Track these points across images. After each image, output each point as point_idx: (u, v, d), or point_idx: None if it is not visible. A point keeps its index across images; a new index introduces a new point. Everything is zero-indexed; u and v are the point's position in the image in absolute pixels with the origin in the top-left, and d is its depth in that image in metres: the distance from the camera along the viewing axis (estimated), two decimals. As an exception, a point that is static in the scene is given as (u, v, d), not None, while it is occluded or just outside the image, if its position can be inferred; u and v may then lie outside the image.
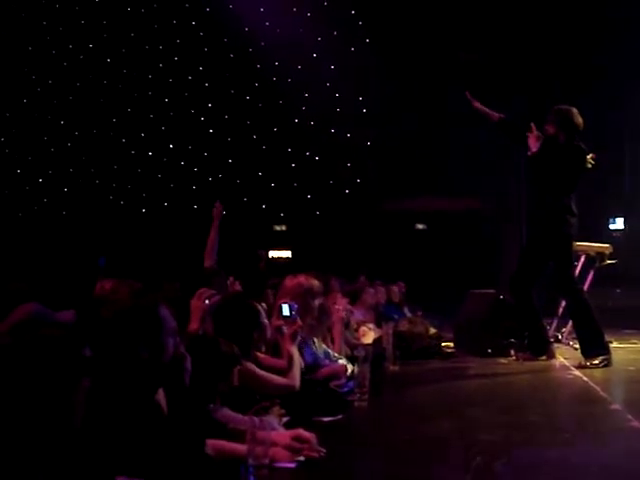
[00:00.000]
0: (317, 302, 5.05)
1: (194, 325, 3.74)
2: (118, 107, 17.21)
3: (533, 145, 6.75)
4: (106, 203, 17.16)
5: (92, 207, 16.87)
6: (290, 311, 4.21)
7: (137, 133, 17.35)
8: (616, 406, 4.54)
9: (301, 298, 4.91)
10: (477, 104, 7.19)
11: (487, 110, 7.20)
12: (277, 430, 3.27)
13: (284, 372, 4.06)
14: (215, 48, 16.96)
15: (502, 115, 7.17)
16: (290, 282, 5.09)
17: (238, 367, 3.40)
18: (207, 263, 6.15)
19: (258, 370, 3.83)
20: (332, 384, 4.77)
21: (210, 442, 2.76)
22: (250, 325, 3.85)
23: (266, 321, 4.02)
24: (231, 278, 5.99)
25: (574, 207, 6.70)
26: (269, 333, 4.12)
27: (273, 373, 4.00)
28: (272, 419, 3.41)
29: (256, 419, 3.24)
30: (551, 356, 6.98)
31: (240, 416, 3.28)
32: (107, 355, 2.42)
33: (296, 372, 4.07)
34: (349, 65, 15.78)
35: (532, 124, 6.82)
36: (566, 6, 13.04)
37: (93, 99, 17.09)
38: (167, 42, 17.11)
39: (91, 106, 17.10)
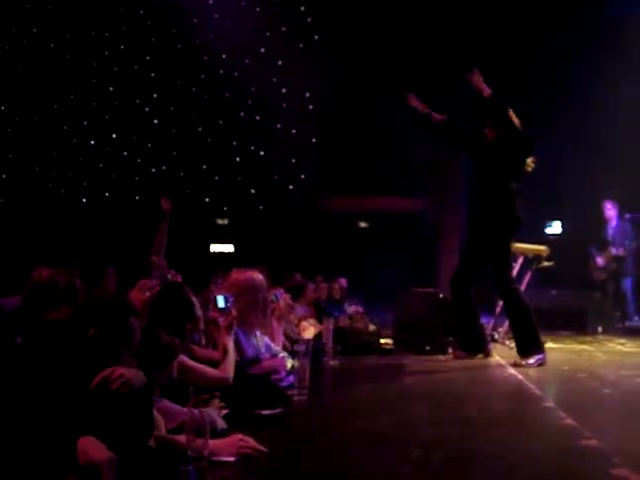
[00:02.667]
0: (262, 296, 5.06)
1: (133, 317, 3.70)
2: (60, 94, 16.87)
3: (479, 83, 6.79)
4: (46, 191, 16.82)
5: (31, 195, 16.52)
6: (225, 302, 4.11)
7: (79, 121, 17.04)
8: (550, 404, 4.65)
9: (248, 292, 4.91)
10: (418, 104, 7.24)
11: (428, 111, 7.24)
12: (216, 422, 3.26)
13: (218, 364, 4.02)
14: (162, 38, 16.76)
15: (444, 117, 7.24)
16: (237, 276, 5.08)
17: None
18: (154, 258, 6.09)
19: (190, 361, 3.74)
20: (272, 378, 4.78)
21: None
22: (183, 316, 3.77)
23: (200, 313, 3.96)
24: (172, 271, 5.95)
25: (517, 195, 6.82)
26: (202, 325, 4.06)
27: (208, 365, 3.91)
28: (212, 411, 3.40)
29: (195, 411, 3.22)
30: (488, 354, 7.11)
31: (179, 408, 3.26)
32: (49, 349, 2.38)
33: (229, 364, 3.97)
34: (296, 61, 15.75)
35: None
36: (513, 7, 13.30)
37: (35, 86, 16.72)
38: (113, 30, 16.83)
39: (33, 93, 16.73)
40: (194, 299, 3.95)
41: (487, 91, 6.73)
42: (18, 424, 2.05)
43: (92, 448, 2.25)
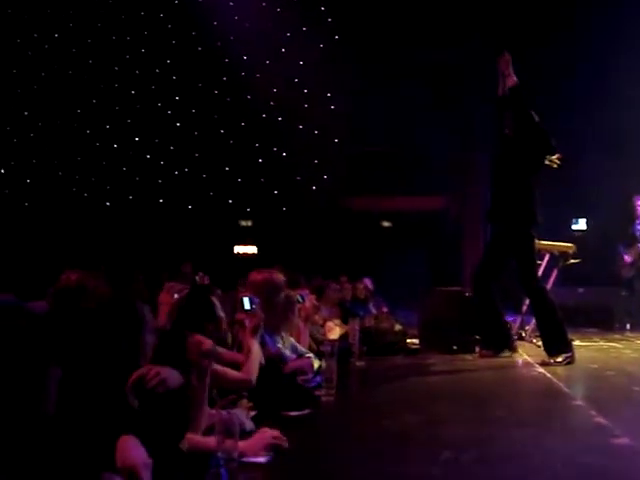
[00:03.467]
0: (282, 296, 5.04)
1: (161, 320, 3.71)
2: (83, 99, 17.00)
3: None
4: (70, 195, 16.95)
5: (56, 199, 16.66)
6: (251, 304, 4.07)
7: (102, 125, 17.15)
8: (579, 402, 4.61)
9: (265, 292, 4.90)
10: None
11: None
12: (244, 424, 3.26)
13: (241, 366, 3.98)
14: (183, 41, 16.83)
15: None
16: (254, 277, 5.07)
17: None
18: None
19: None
20: (299, 379, 4.78)
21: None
22: (203, 317, 3.75)
23: (222, 314, 3.95)
24: (200, 273, 5.97)
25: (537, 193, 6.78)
26: (225, 326, 4.04)
27: (234, 368, 3.87)
28: (240, 412, 3.40)
29: (224, 413, 3.22)
30: (513, 350, 7.07)
31: (207, 410, 3.26)
32: (85, 347, 2.38)
33: (252, 366, 3.91)
34: (318, 61, 15.76)
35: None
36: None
37: (57, 90, 16.86)
38: (135, 34, 16.94)
39: (55, 97, 16.86)
40: (215, 300, 3.94)
41: (513, 79, 6.71)
42: (55, 422, 2.06)
43: (131, 450, 2.25)
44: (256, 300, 4.18)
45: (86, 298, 2.78)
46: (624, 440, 3.42)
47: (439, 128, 14.60)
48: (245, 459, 2.91)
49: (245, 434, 3.15)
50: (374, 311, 10.31)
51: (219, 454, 2.73)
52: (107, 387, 2.38)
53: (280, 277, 5.18)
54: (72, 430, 2.15)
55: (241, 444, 2.91)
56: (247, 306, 4.02)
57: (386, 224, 17.29)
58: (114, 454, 2.31)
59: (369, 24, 14.99)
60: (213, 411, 3.23)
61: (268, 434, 3.10)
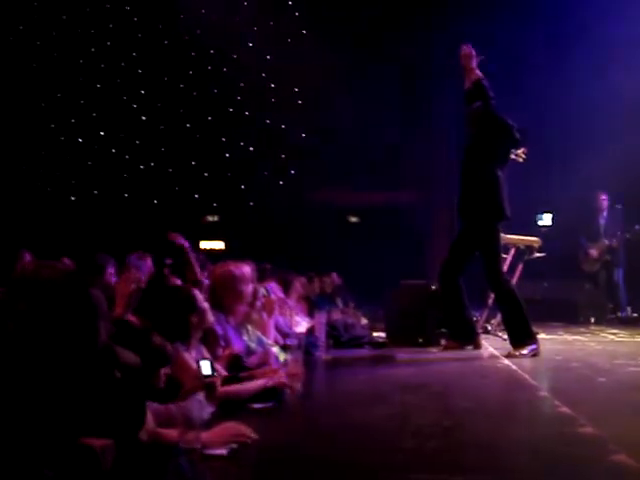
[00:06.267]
0: (249, 288, 5.00)
1: (119, 310, 3.65)
2: (47, 92, 16.76)
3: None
4: (33, 189, 16.69)
5: (18, 193, 16.40)
6: (212, 369, 3.56)
7: (67, 119, 16.92)
8: (544, 393, 4.62)
9: (231, 285, 4.85)
10: None
11: None
12: (206, 412, 3.21)
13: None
14: (149, 34, 16.66)
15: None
16: (219, 269, 5.02)
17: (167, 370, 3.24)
18: None
19: (187, 356, 3.67)
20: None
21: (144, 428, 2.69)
22: (185, 309, 3.69)
23: (205, 305, 3.88)
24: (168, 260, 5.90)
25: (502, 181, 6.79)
26: (210, 318, 3.96)
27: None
28: (203, 402, 3.34)
29: (183, 405, 3.17)
30: (477, 346, 7.09)
31: (165, 405, 3.18)
32: (36, 334, 2.32)
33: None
34: (285, 56, 15.70)
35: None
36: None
37: (21, 83, 16.59)
38: (100, 27, 16.72)
39: (19, 90, 16.59)
40: (196, 292, 3.87)
41: (476, 73, 6.73)
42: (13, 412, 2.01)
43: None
44: (216, 366, 3.88)
45: (42, 287, 2.71)
46: (588, 429, 3.42)
47: (407, 122, 14.65)
48: (207, 451, 2.86)
49: (207, 425, 3.09)
50: (341, 305, 10.31)
51: (181, 445, 2.69)
52: (61, 375, 2.32)
53: (247, 269, 5.14)
54: (23, 420, 2.09)
55: (203, 436, 2.86)
56: (207, 371, 3.54)
57: (354, 219, 17.31)
58: (71, 445, 2.26)
59: (336, 18, 14.97)
60: (172, 405, 3.17)
61: (231, 427, 3.05)
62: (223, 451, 2.92)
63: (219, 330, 4.35)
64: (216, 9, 15.81)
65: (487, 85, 6.83)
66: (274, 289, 6.78)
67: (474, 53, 6.87)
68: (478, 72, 6.81)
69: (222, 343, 4.25)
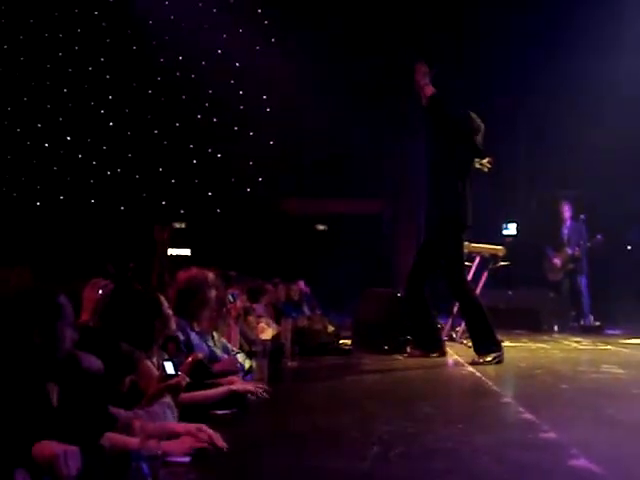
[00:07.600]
0: (214, 295, 4.96)
1: (85, 316, 3.60)
2: (14, 96, 16.57)
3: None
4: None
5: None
6: (175, 369, 3.50)
7: (33, 124, 16.74)
8: (508, 399, 4.66)
9: (196, 289, 4.82)
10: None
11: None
12: (168, 420, 3.18)
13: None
14: (118, 40, 16.56)
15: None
16: (183, 275, 4.98)
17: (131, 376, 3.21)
18: None
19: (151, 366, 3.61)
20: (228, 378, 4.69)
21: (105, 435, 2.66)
22: (151, 314, 3.64)
23: (169, 311, 3.84)
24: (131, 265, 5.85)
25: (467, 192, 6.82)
26: (174, 324, 3.92)
27: None
28: (165, 409, 3.30)
29: (143, 411, 3.13)
30: (442, 354, 7.12)
31: (125, 411, 3.14)
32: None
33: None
34: (254, 63, 15.70)
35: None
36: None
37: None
38: (68, 31, 16.59)
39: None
40: (161, 297, 3.82)
41: (430, 89, 6.76)
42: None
43: (49, 444, 2.18)
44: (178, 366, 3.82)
45: (7, 292, 2.68)
46: (551, 435, 3.45)
47: (374, 132, 14.71)
48: (169, 459, 2.83)
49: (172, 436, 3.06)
50: (307, 312, 10.30)
51: (142, 452, 2.65)
52: (21, 380, 2.28)
53: (212, 275, 5.11)
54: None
55: (165, 444, 2.83)
56: (170, 370, 3.47)
57: (321, 227, 17.32)
58: (29, 451, 2.22)
59: (304, 28, 15.00)
60: (130, 412, 3.13)
61: (196, 433, 3.01)
62: (186, 458, 2.89)
63: (181, 336, 4.31)
64: (185, 15, 15.79)
65: (440, 97, 6.82)
66: (239, 295, 6.75)
67: (426, 69, 6.87)
68: (430, 88, 6.81)
69: (184, 349, 4.21)
